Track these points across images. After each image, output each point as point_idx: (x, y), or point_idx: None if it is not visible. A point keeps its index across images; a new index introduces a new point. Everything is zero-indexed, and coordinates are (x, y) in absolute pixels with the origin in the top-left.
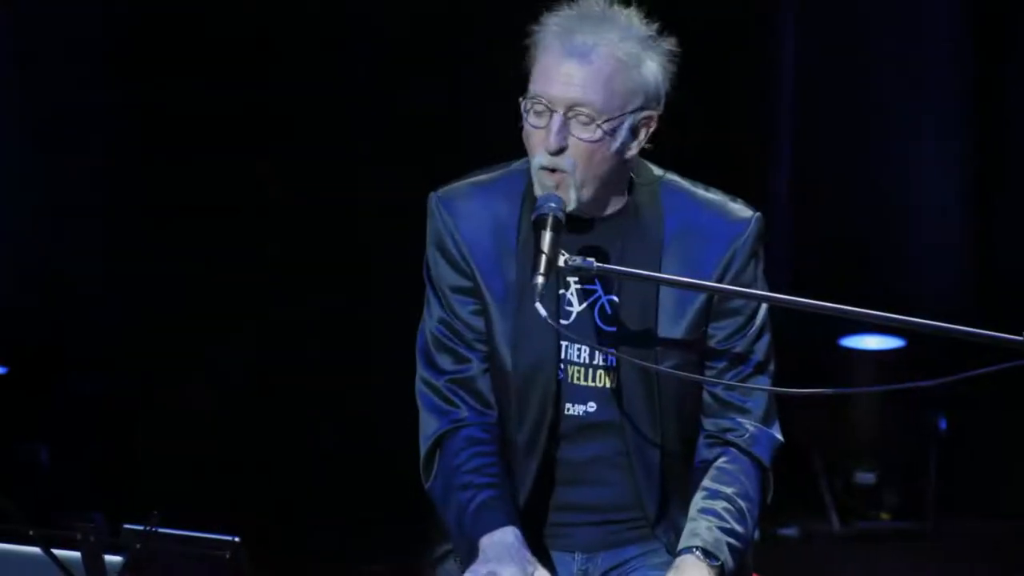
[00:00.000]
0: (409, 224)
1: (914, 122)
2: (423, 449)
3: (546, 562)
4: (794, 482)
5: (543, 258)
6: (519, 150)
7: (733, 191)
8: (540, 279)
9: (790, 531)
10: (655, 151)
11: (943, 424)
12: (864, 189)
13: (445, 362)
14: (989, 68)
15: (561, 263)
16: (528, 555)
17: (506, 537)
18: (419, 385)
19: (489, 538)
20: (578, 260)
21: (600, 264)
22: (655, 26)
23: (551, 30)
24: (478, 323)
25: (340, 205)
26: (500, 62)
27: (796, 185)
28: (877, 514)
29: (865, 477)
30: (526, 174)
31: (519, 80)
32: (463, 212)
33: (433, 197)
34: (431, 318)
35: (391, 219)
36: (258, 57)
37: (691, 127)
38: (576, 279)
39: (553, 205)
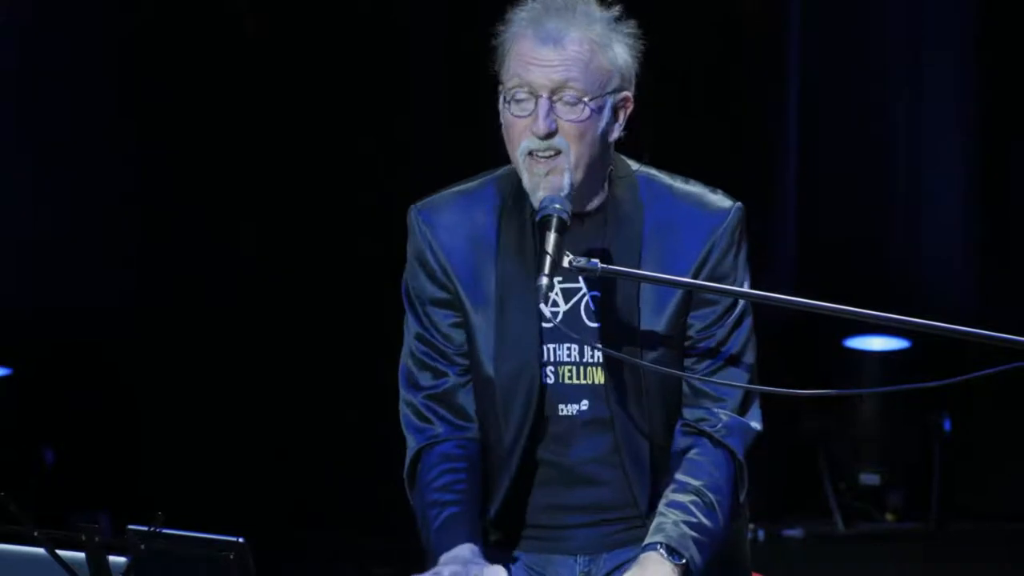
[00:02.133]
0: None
1: (919, 122)
2: (405, 467)
3: (547, 568)
4: (799, 483)
5: (548, 260)
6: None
7: (738, 191)
8: (545, 280)
9: (794, 532)
10: (643, 148)
11: (947, 425)
12: (868, 190)
13: (424, 378)
14: (993, 68)
15: (565, 264)
16: (479, 562)
17: (461, 552)
18: (400, 407)
19: (447, 555)
20: (582, 261)
21: (605, 265)
22: (616, 11)
23: (519, 23)
24: (457, 335)
25: (344, 205)
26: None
27: (801, 185)
28: (881, 515)
29: (869, 478)
30: (505, 180)
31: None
32: (441, 223)
33: (412, 210)
34: (409, 336)
35: (404, 220)
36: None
37: (696, 127)
38: (560, 277)
39: (558, 206)
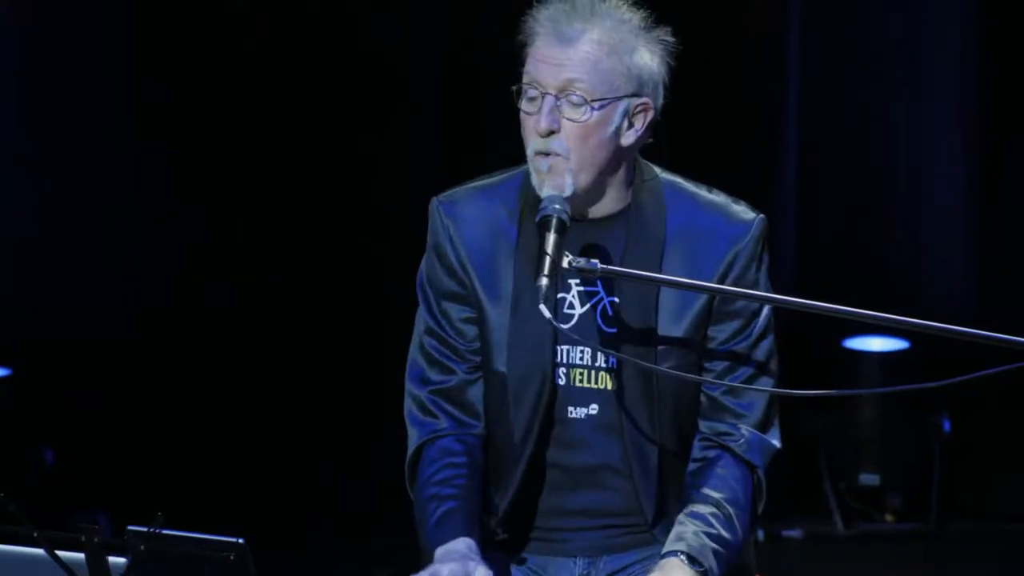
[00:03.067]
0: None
1: (919, 122)
2: (407, 460)
3: (547, 569)
4: (798, 484)
5: (547, 260)
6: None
7: (738, 192)
8: (544, 281)
9: (794, 532)
10: (660, 150)
11: (947, 426)
12: (868, 190)
13: (432, 374)
14: (993, 68)
15: (565, 265)
16: (475, 558)
17: (456, 545)
18: (405, 399)
19: (443, 548)
20: (582, 262)
21: (604, 266)
22: (649, 18)
23: (541, 22)
24: (469, 331)
25: (344, 205)
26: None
27: (800, 186)
28: (881, 516)
29: (869, 479)
30: (527, 177)
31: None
32: (463, 216)
33: (434, 202)
34: (420, 330)
35: (404, 220)
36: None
37: (696, 127)
38: (578, 281)
39: (557, 207)
